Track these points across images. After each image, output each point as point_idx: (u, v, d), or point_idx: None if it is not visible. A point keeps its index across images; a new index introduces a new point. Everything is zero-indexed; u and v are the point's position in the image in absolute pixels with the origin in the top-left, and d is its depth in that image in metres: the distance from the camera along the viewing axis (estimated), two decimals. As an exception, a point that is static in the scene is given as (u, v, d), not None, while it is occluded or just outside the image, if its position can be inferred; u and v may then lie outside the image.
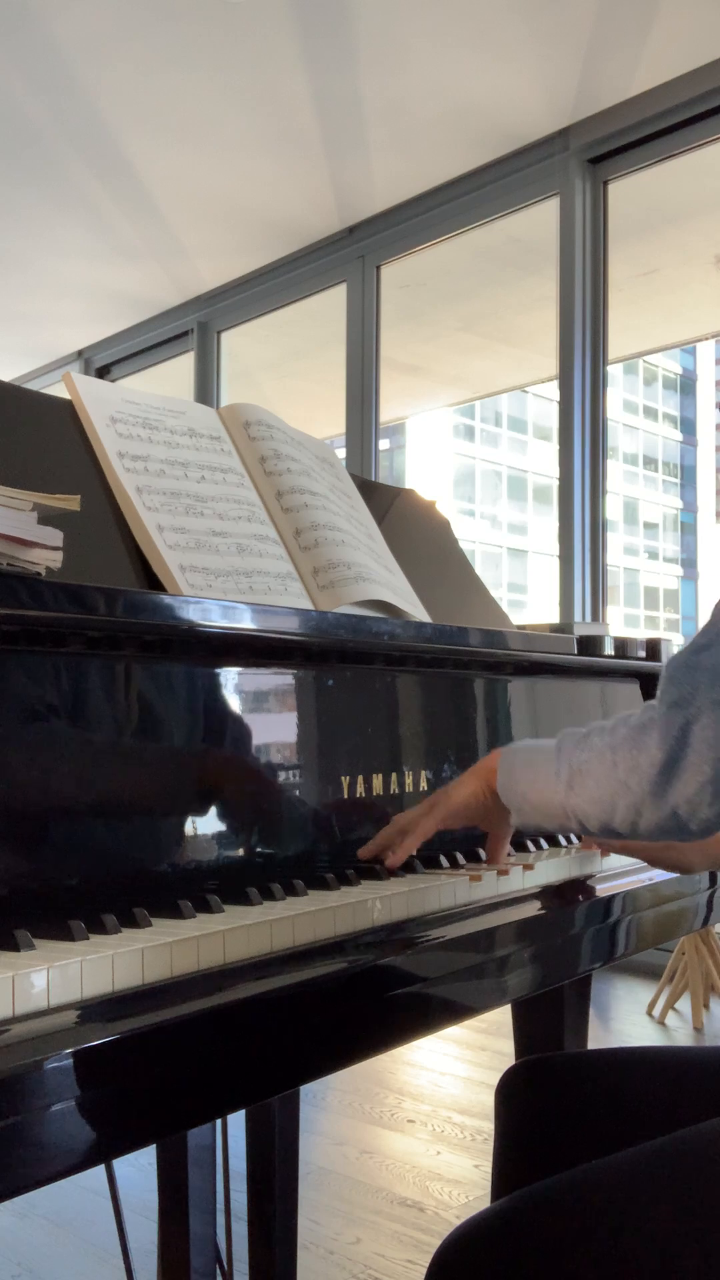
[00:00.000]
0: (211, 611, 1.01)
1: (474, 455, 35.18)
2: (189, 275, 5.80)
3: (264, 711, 1.09)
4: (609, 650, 1.65)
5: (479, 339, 5.78)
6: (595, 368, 4.42)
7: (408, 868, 1.12)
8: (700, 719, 0.87)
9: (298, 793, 1.10)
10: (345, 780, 1.15)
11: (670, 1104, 1.11)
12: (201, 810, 1.01)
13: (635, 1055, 1.20)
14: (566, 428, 4.43)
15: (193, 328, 6.13)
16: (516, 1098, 1.18)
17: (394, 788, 1.21)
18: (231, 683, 1.05)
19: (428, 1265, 0.94)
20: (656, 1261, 0.82)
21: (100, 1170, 1.06)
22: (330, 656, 1.16)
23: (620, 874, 1.28)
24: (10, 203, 4.99)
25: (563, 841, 1.36)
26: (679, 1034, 3.41)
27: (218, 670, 1.03)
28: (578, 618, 4.29)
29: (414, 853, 1.10)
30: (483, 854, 1.23)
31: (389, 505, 1.66)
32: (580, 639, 1.62)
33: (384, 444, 5.59)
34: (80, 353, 6.91)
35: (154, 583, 1.11)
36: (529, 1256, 0.87)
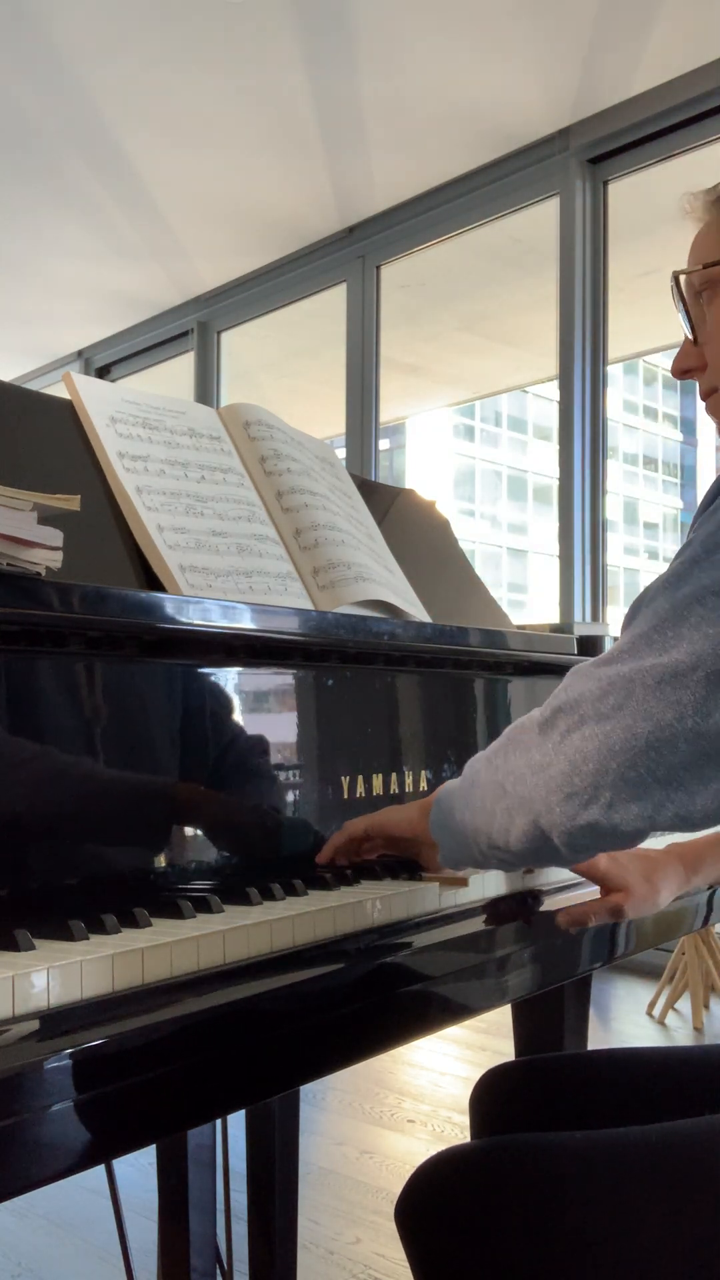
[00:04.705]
0: (211, 611, 1.01)
1: (474, 455, 35.17)
2: (189, 275, 5.80)
3: (264, 711, 1.09)
4: (609, 650, 1.65)
5: (479, 339, 5.78)
6: (595, 368, 4.42)
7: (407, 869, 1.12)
8: (582, 728, 0.81)
9: (298, 792, 1.10)
10: (345, 780, 1.15)
11: (641, 1105, 1.10)
12: (201, 810, 1.01)
13: (606, 1057, 1.19)
14: (566, 428, 4.43)
15: (193, 328, 6.13)
16: (488, 1107, 1.18)
17: (394, 788, 1.21)
18: (232, 683, 1.05)
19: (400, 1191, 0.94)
20: (649, 1239, 0.82)
21: (100, 1170, 1.06)
22: (330, 656, 1.15)
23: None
24: (10, 203, 4.98)
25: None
26: (679, 1034, 3.41)
27: (218, 670, 1.03)
28: (578, 618, 4.29)
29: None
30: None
31: (389, 505, 1.66)
32: (580, 639, 1.62)
33: (384, 444, 5.59)
34: (80, 353, 6.91)
35: (154, 583, 1.11)
36: (507, 1192, 0.88)
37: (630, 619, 0.84)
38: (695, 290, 0.99)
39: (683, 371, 1.01)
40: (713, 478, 0.92)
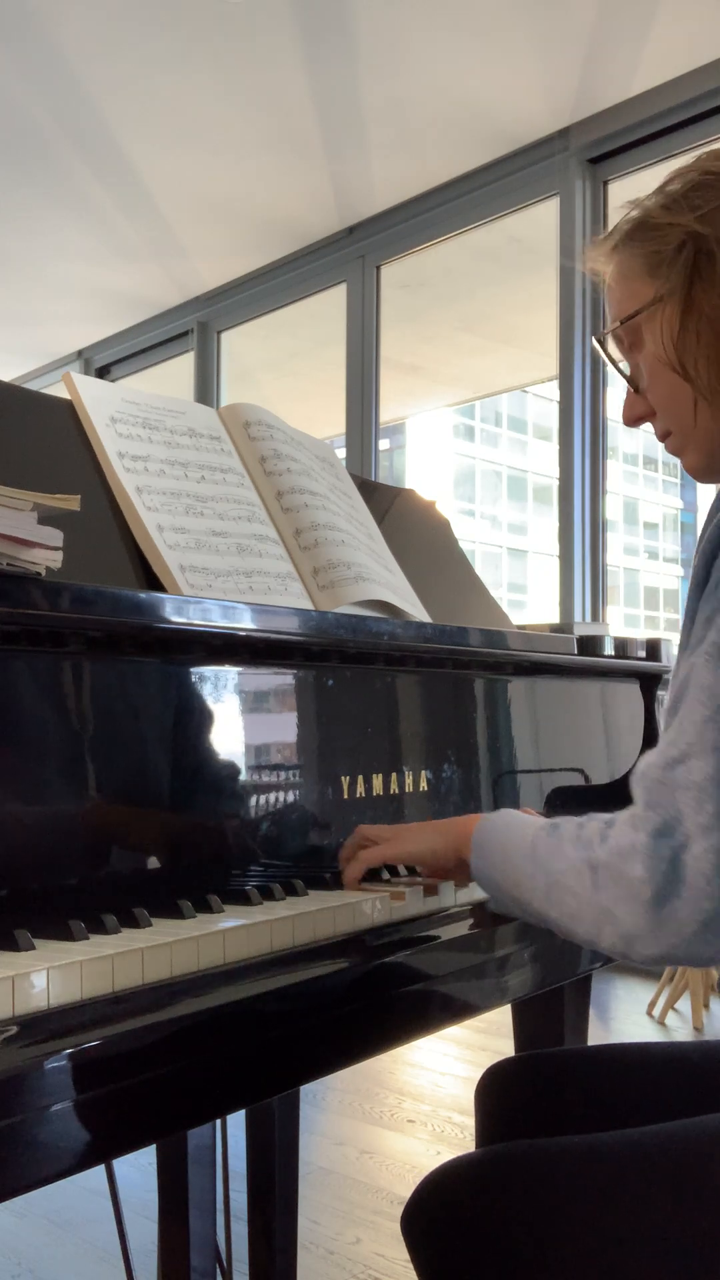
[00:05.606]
0: (211, 611, 1.01)
1: (474, 455, 35.15)
2: (189, 275, 5.80)
3: (264, 712, 1.09)
4: (609, 650, 1.65)
5: (479, 339, 5.78)
6: (595, 368, 4.42)
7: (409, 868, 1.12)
8: (690, 847, 0.79)
9: (298, 793, 1.10)
10: (345, 780, 1.15)
11: (647, 1100, 1.10)
12: (201, 810, 1.01)
13: (612, 1053, 1.19)
14: (566, 428, 4.43)
15: (193, 328, 6.13)
16: (493, 1100, 1.17)
17: (394, 788, 1.21)
18: (231, 683, 1.05)
19: (404, 1206, 0.94)
20: (655, 1245, 0.82)
21: (100, 1170, 1.06)
22: (330, 656, 1.15)
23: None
24: (10, 203, 4.98)
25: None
26: (679, 1034, 3.41)
27: (218, 670, 1.03)
28: (578, 618, 4.29)
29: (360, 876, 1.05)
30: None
31: (389, 505, 1.66)
32: (580, 639, 1.62)
33: (384, 444, 5.59)
34: (80, 353, 6.91)
35: (154, 583, 1.11)
36: (513, 1202, 0.87)
37: (678, 699, 0.84)
38: (624, 345, 1.01)
39: (635, 419, 1.02)
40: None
